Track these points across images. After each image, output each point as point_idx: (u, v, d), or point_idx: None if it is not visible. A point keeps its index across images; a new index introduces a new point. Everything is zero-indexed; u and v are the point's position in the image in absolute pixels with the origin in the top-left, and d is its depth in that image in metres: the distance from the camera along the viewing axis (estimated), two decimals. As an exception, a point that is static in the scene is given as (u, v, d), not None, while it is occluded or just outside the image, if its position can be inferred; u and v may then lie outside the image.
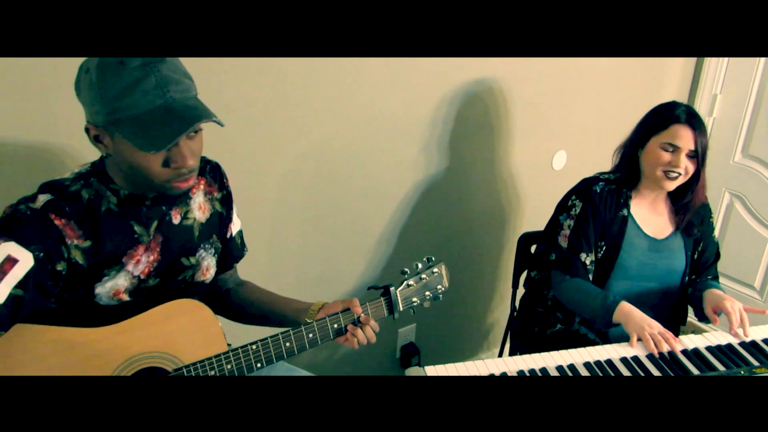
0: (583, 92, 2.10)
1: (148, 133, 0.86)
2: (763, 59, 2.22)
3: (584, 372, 1.24)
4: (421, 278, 1.18)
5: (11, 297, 0.87)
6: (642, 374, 1.23)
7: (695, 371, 1.24)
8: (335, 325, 1.08)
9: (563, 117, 2.08)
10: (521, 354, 1.28)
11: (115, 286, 0.98)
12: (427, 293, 1.20)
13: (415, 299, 1.18)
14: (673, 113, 1.43)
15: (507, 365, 1.25)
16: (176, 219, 1.05)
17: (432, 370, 1.22)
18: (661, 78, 2.34)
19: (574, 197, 1.55)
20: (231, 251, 1.20)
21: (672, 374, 1.23)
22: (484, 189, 2.00)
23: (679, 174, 1.44)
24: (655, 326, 1.32)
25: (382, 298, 1.13)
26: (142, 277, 1.01)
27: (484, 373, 1.22)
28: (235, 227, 1.20)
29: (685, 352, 1.30)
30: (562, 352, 1.29)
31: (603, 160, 1.84)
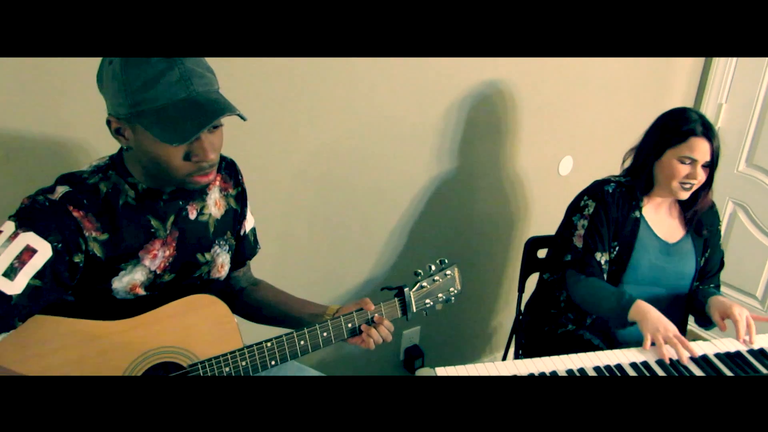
0: (589, 99, 2.12)
1: (171, 126, 0.86)
2: (769, 70, 2.24)
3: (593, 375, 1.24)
4: (434, 280, 1.18)
5: (29, 287, 0.87)
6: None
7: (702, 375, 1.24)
8: (349, 325, 1.08)
9: (570, 123, 2.09)
10: (525, 354, 1.28)
11: (132, 281, 0.98)
12: (440, 295, 1.20)
13: (428, 301, 1.18)
14: (689, 125, 1.43)
15: (517, 368, 1.25)
16: (192, 214, 1.05)
17: (443, 372, 1.22)
18: (667, 87, 2.35)
19: (586, 197, 1.56)
20: (244, 248, 1.20)
21: (681, 380, 1.23)
22: (490, 193, 2.01)
23: (694, 184, 1.46)
24: (671, 329, 1.32)
25: (395, 299, 1.13)
26: (158, 272, 1.01)
27: (494, 375, 1.23)
28: (248, 224, 1.20)
29: (693, 358, 1.31)
30: (572, 356, 1.29)
31: (609, 167, 1.85)
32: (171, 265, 1.03)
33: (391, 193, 1.76)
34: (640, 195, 1.53)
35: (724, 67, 2.37)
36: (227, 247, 1.13)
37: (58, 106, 1.17)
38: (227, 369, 0.99)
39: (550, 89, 1.98)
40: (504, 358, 1.98)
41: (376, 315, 1.10)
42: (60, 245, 0.89)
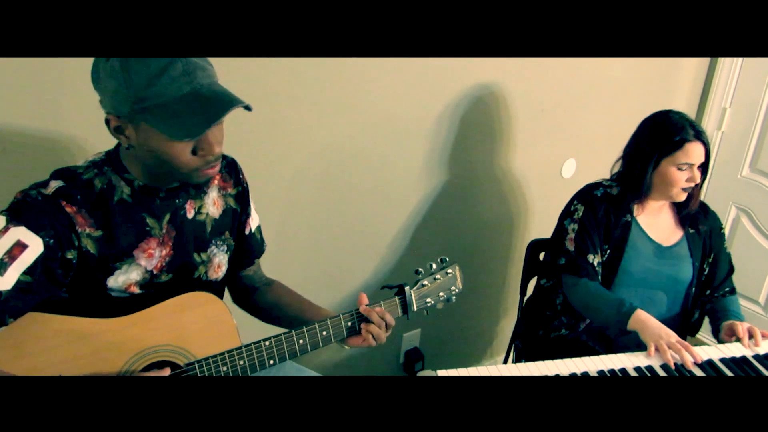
0: (592, 102, 2.10)
1: (179, 121, 0.84)
2: (773, 74, 2.23)
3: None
4: (435, 278, 1.17)
5: (19, 283, 0.85)
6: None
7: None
8: (349, 323, 1.07)
9: (573, 125, 2.08)
10: (523, 358, 1.27)
11: (127, 280, 0.96)
12: (441, 294, 1.18)
13: (429, 300, 1.16)
14: (682, 133, 1.42)
15: (519, 370, 1.23)
16: (190, 213, 1.04)
17: (444, 374, 1.20)
18: (672, 90, 2.34)
19: (576, 202, 1.56)
20: (251, 247, 1.18)
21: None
22: (492, 195, 1.99)
23: (692, 186, 1.46)
24: (672, 336, 1.31)
25: (396, 297, 1.11)
26: (155, 272, 0.99)
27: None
28: (253, 223, 1.19)
29: (698, 363, 1.28)
30: (575, 360, 1.27)
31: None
32: (168, 265, 1.01)
33: (391, 193, 1.75)
34: (631, 201, 1.51)
35: (729, 71, 2.35)
36: (225, 248, 1.11)
37: (55, 101, 1.16)
38: (224, 368, 0.97)
39: (553, 92, 1.97)
40: (505, 362, 1.96)
41: (377, 308, 1.07)
42: (52, 241, 0.87)
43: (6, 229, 0.85)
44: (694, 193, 1.51)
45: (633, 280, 1.51)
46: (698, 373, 1.25)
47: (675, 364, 1.27)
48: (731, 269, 1.60)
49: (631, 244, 1.50)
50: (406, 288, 1.12)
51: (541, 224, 2.17)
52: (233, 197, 1.12)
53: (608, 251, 1.51)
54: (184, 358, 0.96)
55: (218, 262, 1.10)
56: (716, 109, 2.41)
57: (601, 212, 1.50)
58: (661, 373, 1.25)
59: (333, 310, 1.13)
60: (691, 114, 2.47)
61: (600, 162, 2.21)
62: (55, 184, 0.91)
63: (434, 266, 1.18)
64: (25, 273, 0.85)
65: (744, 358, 1.31)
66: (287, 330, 1.02)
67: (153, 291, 0.99)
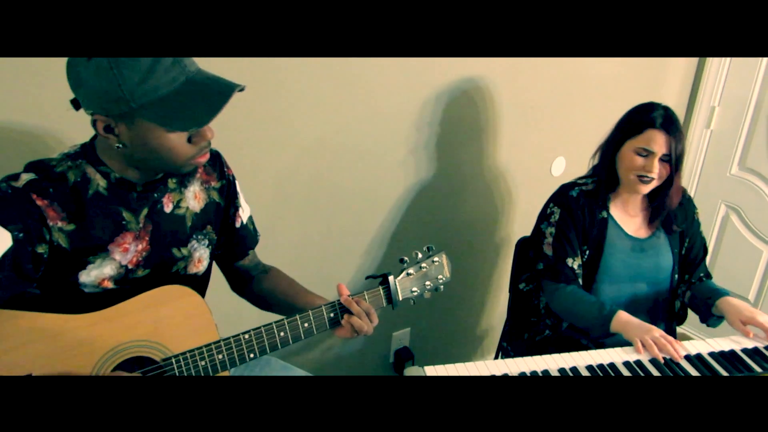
0: (582, 100, 2.10)
1: (183, 113, 0.84)
2: (762, 72, 2.23)
3: (586, 375, 1.21)
4: (421, 267, 1.14)
5: None
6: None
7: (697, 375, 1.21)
8: (332, 314, 1.04)
9: (562, 124, 2.07)
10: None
11: (100, 275, 0.94)
12: (428, 283, 1.15)
13: (415, 289, 1.14)
14: (649, 117, 1.40)
15: (508, 367, 1.21)
16: (168, 207, 1.01)
17: (431, 371, 1.18)
18: (661, 89, 2.34)
19: (552, 204, 1.54)
20: (245, 238, 1.17)
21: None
22: (481, 192, 1.98)
23: (653, 179, 1.42)
24: (656, 331, 1.30)
25: (380, 287, 1.09)
26: (130, 267, 0.97)
27: (485, 374, 1.19)
28: (244, 214, 1.17)
29: (688, 357, 1.27)
30: (564, 355, 1.26)
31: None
32: (145, 260, 0.98)
33: (379, 192, 1.73)
34: (606, 193, 1.50)
35: (717, 69, 2.36)
36: (206, 242, 1.09)
37: (35, 95, 1.13)
38: (203, 363, 0.95)
39: (542, 89, 1.96)
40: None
41: (361, 300, 1.05)
42: (21, 235, 0.85)
43: None
44: (668, 194, 1.47)
45: (614, 277, 1.50)
46: (687, 367, 1.24)
47: (664, 358, 1.25)
48: (705, 253, 1.59)
49: (608, 241, 1.49)
50: (390, 277, 1.09)
51: (531, 222, 2.14)
52: (217, 191, 1.10)
53: (588, 251, 1.49)
54: (160, 354, 0.94)
55: (199, 256, 1.07)
56: (705, 107, 2.41)
57: (578, 213, 1.48)
58: (650, 367, 1.23)
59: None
60: (680, 112, 2.47)
61: (589, 160, 2.21)
62: (26, 177, 0.89)
63: (420, 255, 1.15)
64: None
65: (733, 352, 1.30)
66: (267, 323, 1.00)
67: (128, 286, 0.96)
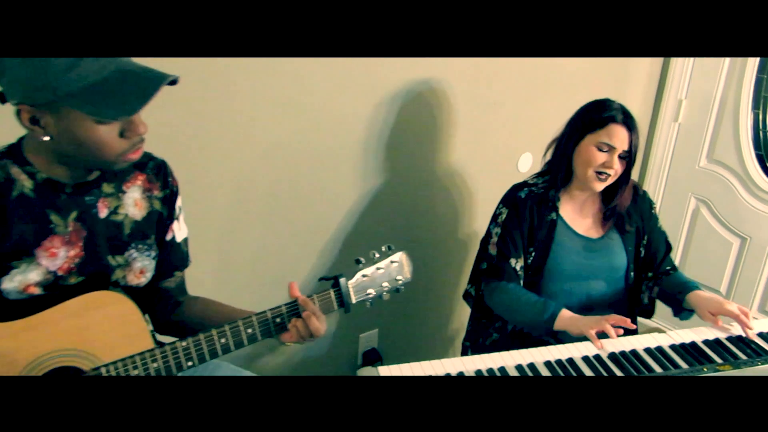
0: (548, 94, 2.08)
1: (112, 101, 0.81)
2: (726, 65, 2.24)
3: (545, 371, 1.18)
4: (378, 268, 1.10)
5: None
6: (604, 373, 1.17)
7: (658, 370, 1.19)
8: (277, 320, 1.00)
9: (527, 119, 2.05)
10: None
11: (25, 281, 0.89)
12: (385, 284, 1.11)
13: (370, 291, 1.10)
14: (610, 112, 1.39)
15: (464, 365, 1.19)
16: (103, 212, 0.97)
17: (385, 371, 1.15)
18: (628, 82, 2.34)
19: (501, 205, 1.53)
20: (170, 256, 1.10)
21: (635, 373, 1.17)
22: (446, 191, 1.96)
23: (609, 175, 1.40)
24: (601, 318, 1.27)
25: (331, 290, 1.05)
26: (60, 273, 0.92)
27: (441, 373, 1.16)
28: (180, 233, 1.11)
29: (648, 350, 1.25)
30: (522, 351, 1.23)
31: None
32: (79, 267, 0.94)
33: (340, 193, 1.70)
34: (558, 190, 1.47)
35: (683, 62, 2.36)
36: (151, 252, 1.04)
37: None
38: (135, 372, 0.90)
39: (504, 85, 1.94)
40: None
41: (309, 304, 1.01)
42: None
43: None
44: (621, 191, 1.45)
45: (565, 276, 1.47)
46: (648, 359, 1.22)
47: (625, 353, 1.23)
48: (669, 247, 1.57)
49: (557, 241, 1.46)
50: (342, 279, 1.06)
51: (500, 219, 2.14)
52: (160, 200, 1.06)
53: (534, 253, 1.47)
54: (89, 363, 0.89)
55: (140, 267, 1.02)
56: (672, 100, 2.41)
57: (526, 213, 1.46)
58: (609, 362, 1.21)
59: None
60: (648, 106, 2.47)
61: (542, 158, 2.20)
62: None
63: (377, 255, 1.11)
64: None
65: (694, 344, 1.29)
66: (206, 330, 0.96)
67: (58, 293, 0.92)
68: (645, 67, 2.36)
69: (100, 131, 0.84)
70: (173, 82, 0.85)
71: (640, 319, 1.62)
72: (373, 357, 1.94)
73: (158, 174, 1.05)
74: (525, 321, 1.42)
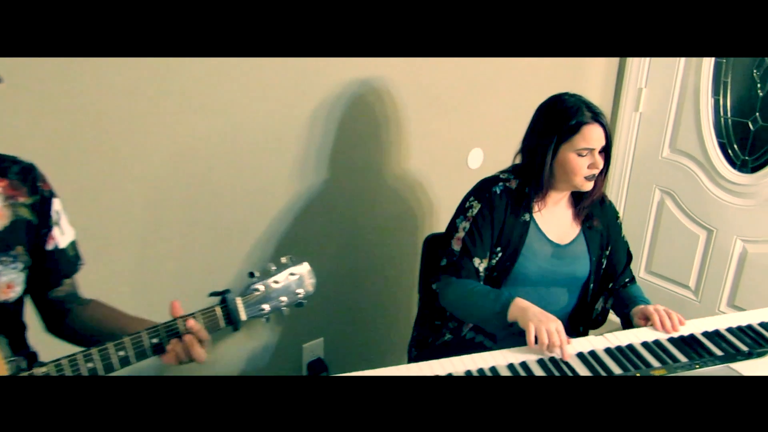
0: (498, 87, 2.00)
1: None
2: (683, 50, 2.16)
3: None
4: (275, 282, 1.01)
5: None
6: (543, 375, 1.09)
7: (587, 374, 1.11)
8: (154, 340, 0.91)
9: (476, 114, 1.97)
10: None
11: None
12: (283, 299, 1.03)
13: (265, 306, 1.01)
14: (577, 116, 1.30)
15: (409, 371, 1.11)
16: None
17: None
18: (585, 72, 2.26)
19: (472, 198, 1.42)
20: (58, 264, 1.01)
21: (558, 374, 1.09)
22: (391, 191, 1.87)
23: (597, 171, 1.33)
24: (552, 320, 1.19)
25: (218, 307, 0.96)
26: None
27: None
28: (64, 239, 1.02)
29: (580, 355, 1.17)
30: (443, 360, 1.15)
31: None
32: None
33: (270, 197, 1.62)
34: (534, 196, 1.39)
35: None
36: (18, 265, 0.95)
37: None
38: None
39: (449, 80, 1.86)
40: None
41: (190, 323, 0.92)
42: None
43: None
44: (597, 182, 1.38)
45: (528, 281, 1.39)
46: (576, 364, 1.14)
47: (554, 359, 1.15)
48: (629, 258, 1.50)
49: (527, 245, 1.38)
50: (229, 295, 0.97)
51: (449, 218, 2.05)
52: (27, 207, 0.96)
53: (500, 254, 1.39)
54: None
55: (6, 281, 0.93)
56: (632, 89, 2.33)
57: (498, 212, 1.37)
58: (535, 367, 1.12)
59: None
60: (608, 96, 2.39)
61: (509, 150, 2.09)
62: None
63: (274, 267, 1.03)
64: None
65: (631, 347, 1.20)
66: (72, 354, 0.87)
67: None
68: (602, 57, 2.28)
69: None
70: None
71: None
72: (319, 367, 1.86)
73: (24, 179, 0.96)
74: (479, 314, 1.33)
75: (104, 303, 1.08)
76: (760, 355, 1.12)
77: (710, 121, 2.14)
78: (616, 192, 2.46)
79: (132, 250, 1.43)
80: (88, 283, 1.10)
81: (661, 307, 1.31)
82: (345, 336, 1.92)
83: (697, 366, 1.11)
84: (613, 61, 2.34)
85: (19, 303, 0.97)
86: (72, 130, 1.27)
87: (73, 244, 1.05)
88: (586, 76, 2.26)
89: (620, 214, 1.52)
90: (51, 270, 1.01)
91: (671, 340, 1.22)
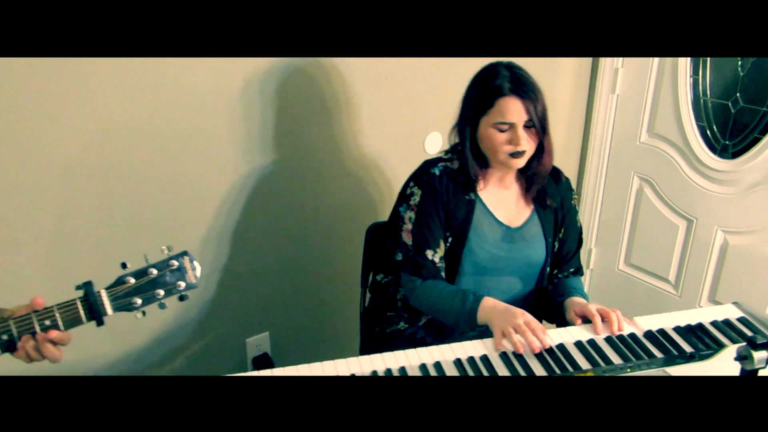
0: (456, 67, 1.87)
1: None
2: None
3: (417, 373, 1.01)
4: (148, 273, 0.93)
5: None
6: (487, 374, 1.00)
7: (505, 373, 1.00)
8: (3, 336, 0.83)
9: (433, 96, 1.85)
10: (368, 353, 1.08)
11: None
12: (160, 292, 0.94)
13: (137, 299, 0.91)
14: (494, 85, 1.19)
15: (349, 366, 1.04)
16: None
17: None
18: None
19: (412, 184, 1.32)
20: None
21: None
22: (342, 176, 1.77)
23: (524, 151, 1.21)
24: (519, 316, 1.10)
25: (78, 300, 0.87)
26: None
27: (345, 374, 1.00)
28: None
29: (503, 355, 1.07)
30: (409, 351, 1.07)
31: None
32: None
33: (205, 187, 1.53)
34: (474, 176, 1.28)
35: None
36: None
37: None
38: None
39: (403, 61, 1.74)
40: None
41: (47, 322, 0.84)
42: None
43: None
44: (542, 161, 1.27)
45: (479, 269, 1.30)
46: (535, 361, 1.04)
47: (485, 356, 1.05)
48: (579, 245, 1.39)
49: (475, 227, 1.28)
50: (91, 288, 0.88)
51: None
52: None
53: (450, 238, 1.29)
54: None
55: None
56: (609, 70, 2.19)
57: (442, 194, 1.27)
58: (497, 361, 1.05)
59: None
60: (584, 77, 2.25)
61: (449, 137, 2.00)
62: None
63: (149, 258, 0.94)
64: None
65: (592, 341, 1.10)
66: None
67: None
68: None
69: None
70: None
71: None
72: (265, 363, 1.77)
73: None
74: (451, 319, 1.25)
75: None
76: (702, 357, 1.01)
77: (689, 102, 2.00)
78: (594, 179, 2.34)
79: (43, 241, 1.35)
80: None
81: (603, 307, 1.19)
82: (293, 329, 1.82)
83: (629, 369, 0.99)
84: (589, 41, 2.20)
85: None
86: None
87: None
88: (559, 57, 2.13)
89: (575, 195, 1.40)
90: None
91: (608, 339, 1.11)
